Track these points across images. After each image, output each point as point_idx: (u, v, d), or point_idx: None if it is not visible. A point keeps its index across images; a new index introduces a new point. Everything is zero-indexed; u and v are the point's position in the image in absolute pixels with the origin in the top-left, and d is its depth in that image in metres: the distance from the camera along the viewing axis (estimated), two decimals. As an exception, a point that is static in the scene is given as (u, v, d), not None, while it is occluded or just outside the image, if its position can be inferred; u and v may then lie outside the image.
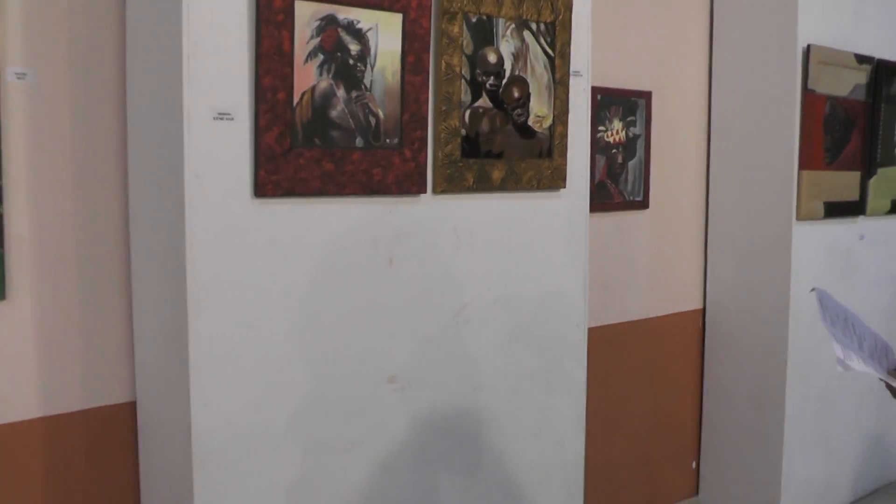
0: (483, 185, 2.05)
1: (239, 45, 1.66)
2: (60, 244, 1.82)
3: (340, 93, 1.77)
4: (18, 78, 1.75)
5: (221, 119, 1.64)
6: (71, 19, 1.81)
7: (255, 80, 1.67)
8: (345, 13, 1.76)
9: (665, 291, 3.08)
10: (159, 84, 1.71)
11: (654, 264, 3.02)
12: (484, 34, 2.02)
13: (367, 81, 1.81)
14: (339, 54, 1.76)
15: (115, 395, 1.90)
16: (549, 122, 2.18)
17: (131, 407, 1.91)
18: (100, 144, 1.86)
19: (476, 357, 2.10)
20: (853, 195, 3.11)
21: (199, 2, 1.60)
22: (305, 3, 1.71)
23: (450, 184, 1.98)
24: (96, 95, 1.85)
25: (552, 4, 2.15)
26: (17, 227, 1.76)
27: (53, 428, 1.82)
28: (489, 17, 2.02)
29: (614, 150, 2.79)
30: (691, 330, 3.22)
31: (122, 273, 1.89)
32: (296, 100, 1.71)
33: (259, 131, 1.67)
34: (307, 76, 1.73)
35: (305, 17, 1.71)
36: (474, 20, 1.99)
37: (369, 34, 1.80)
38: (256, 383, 1.73)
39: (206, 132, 1.63)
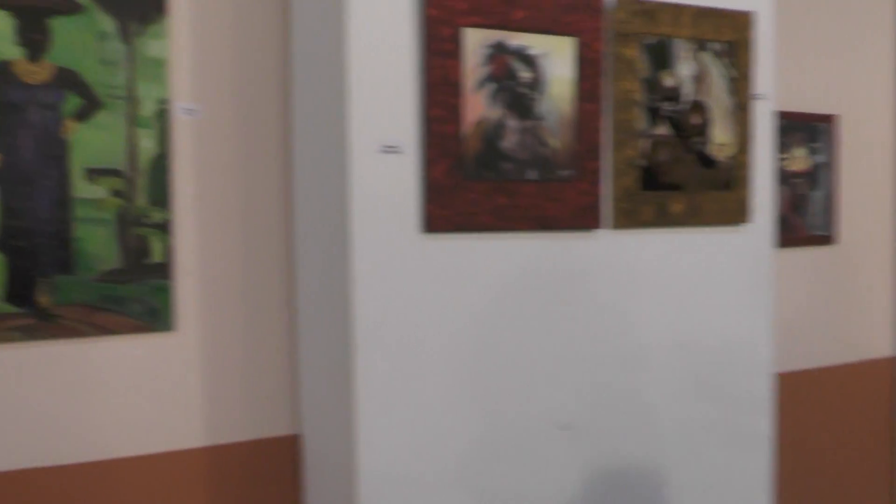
0: (662, 219, 1.90)
1: (405, 76, 1.61)
2: (227, 277, 1.83)
3: (512, 123, 1.68)
4: (187, 114, 1.78)
5: (388, 152, 1.59)
6: (237, 55, 1.83)
7: (422, 112, 1.61)
8: (515, 39, 1.67)
9: (853, 336, 2.78)
10: (324, 117, 1.68)
11: (842, 305, 2.74)
12: (660, 56, 1.88)
13: (539, 110, 1.70)
14: (509, 82, 1.67)
15: (278, 428, 1.89)
16: (731, 150, 2.00)
17: (295, 440, 1.90)
18: (266, 178, 1.86)
19: (653, 406, 1.94)
20: None
21: (364, 33, 1.57)
22: (474, 30, 1.63)
23: (627, 218, 1.84)
24: (262, 129, 1.86)
25: (732, 22, 1.98)
26: (186, 261, 1.79)
27: (217, 457, 1.84)
28: (666, 39, 1.88)
29: (797, 180, 2.56)
30: (882, 379, 2.88)
31: (287, 306, 1.89)
32: (465, 131, 1.63)
33: (427, 164, 1.61)
34: (476, 106, 1.64)
35: (474, 44, 1.64)
36: (650, 42, 1.85)
37: (541, 60, 1.70)
38: (423, 425, 1.67)
39: (373, 166, 1.59)
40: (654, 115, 1.88)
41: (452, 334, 1.68)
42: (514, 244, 1.72)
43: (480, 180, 1.65)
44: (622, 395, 1.89)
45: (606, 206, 1.82)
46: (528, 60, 1.69)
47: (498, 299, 1.72)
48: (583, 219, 1.78)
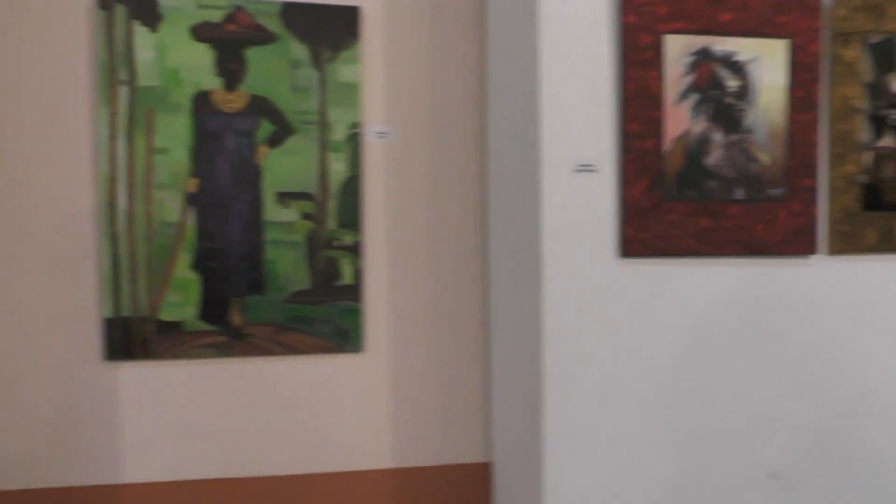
0: (888, 244, 1.72)
1: (601, 89, 1.55)
2: (417, 300, 1.84)
3: (717, 137, 1.55)
4: (379, 137, 1.79)
5: (583, 171, 1.52)
6: (430, 77, 1.84)
7: (619, 127, 1.54)
8: (721, 44, 1.55)
9: None
10: (517, 137, 1.65)
11: None
12: (886, 57, 1.69)
13: (747, 122, 1.57)
14: (714, 92, 1.56)
15: (469, 455, 1.89)
16: (970, 163, 1.76)
17: (487, 468, 1.88)
18: (458, 200, 1.86)
19: (877, 455, 1.75)
20: None
21: (557, 45, 1.53)
22: (676, 36, 1.52)
23: (846, 243, 1.67)
24: (455, 150, 1.86)
25: (974, 17, 1.74)
26: (375, 283, 1.81)
27: (405, 480, 1.85)
28: (893, 36, 1.69)
29: None
30: None
31: (479, 333, 1.87)
32: (666, 147, 1.53)
33: (625, 184, 1.54)
34: (678, 119, 1.53)
35: (676, 52, 1.53)
36: (874, 41, 1.67)
37: (749, 67, 1.56)
38: (614, 463, 1.60)
39: (566, 186, 1.54)
40: (879, 124, 1.70)
41: (649, 367, 1.59)
42: (719, 271, 1.61)
43: (682, 200, 1.55)
44: (840, 441, 1.73)
45: (822, 229, 1.68)
46: (736, 67, 1.56)
47: (700, 331, 1.61)
48: (795, 243, 1.63)
